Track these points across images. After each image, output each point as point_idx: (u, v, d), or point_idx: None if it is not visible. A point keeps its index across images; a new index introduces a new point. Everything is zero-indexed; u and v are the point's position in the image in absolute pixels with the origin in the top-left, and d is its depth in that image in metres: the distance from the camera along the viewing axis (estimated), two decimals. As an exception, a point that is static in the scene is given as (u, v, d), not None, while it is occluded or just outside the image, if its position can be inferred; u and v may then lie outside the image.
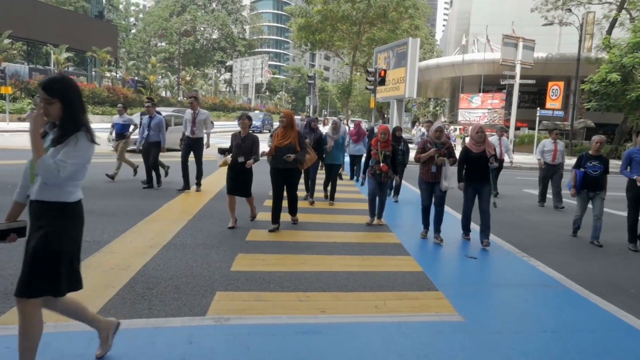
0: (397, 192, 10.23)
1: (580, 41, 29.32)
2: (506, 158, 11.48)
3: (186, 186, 9.51)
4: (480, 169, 6.57)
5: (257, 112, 46.51)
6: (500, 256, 6.26)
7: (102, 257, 5.14)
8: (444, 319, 4.11)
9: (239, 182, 6.86)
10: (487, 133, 7.02)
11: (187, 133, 9.42)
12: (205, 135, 9.67)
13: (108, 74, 48.77)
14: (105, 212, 7.29)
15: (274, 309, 4.08)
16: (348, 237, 6.71)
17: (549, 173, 10.81)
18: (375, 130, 9.18)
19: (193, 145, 9.48)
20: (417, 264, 5.67)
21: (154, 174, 9.87)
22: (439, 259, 6.02)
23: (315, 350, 3.40)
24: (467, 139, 7.87)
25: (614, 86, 24.61)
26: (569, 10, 32.48)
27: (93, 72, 46.74)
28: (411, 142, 20.91)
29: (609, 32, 31.04)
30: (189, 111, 9.50)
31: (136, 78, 52.43)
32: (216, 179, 11.27)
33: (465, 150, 6.75)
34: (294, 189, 7.03)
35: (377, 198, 7.63)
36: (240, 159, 6.73)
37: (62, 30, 39.35)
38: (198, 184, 9.65)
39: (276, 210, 6.80)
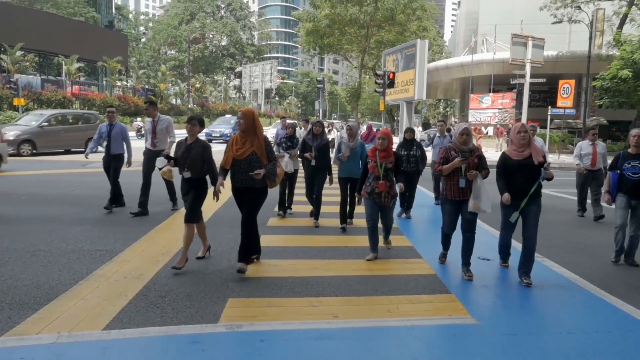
0: (409, 206, 8.56)
1: (590, 38, 29.03)
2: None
3: (174, 205, 8.33)
4: (523, 182, 5.01)
5: (228, 116, 37.29)
6: (513, 257, 6.17)
7: (115, 266, 5.18)
8: (458, 321, 4.07)
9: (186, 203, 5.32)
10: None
11: (148, 145, 8.00)
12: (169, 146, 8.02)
13: (119, 83, 49.27)
14: (117, 222, 7.35)
15: (286, 315, 4.08)
16: (359, 241, 6.68)
17: (588, 179, 9.25)
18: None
19: (155, 159, 7.11)
20: (429, 267, 5.63)
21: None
22: (451, 261, 5.96)
23: (328, 356, 3.38)
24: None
25: (626, 83, 24.33)
26: (579, 7, 32.20)
27: (104, 82, 47.20)
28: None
29: (620, 28, 30.71)
30: (148, 120, 8.05)
31: (147, 86, 52.91)
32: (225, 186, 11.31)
33: (504, 159, 5.23)
34: (252, 215, 5.11)
35: (381, 223, 6.06)
36: (186, 174, 5.21)
37: (73, 40, 39.80)
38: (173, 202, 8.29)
39: (246, 245, 5.10)
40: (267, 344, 3.51)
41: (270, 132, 28.29)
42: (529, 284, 5.04)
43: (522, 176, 5.02)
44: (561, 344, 3.71)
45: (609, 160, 8.30)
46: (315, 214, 7.69)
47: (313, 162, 7.50)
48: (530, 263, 5.15)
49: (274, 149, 8.86)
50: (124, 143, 8.19)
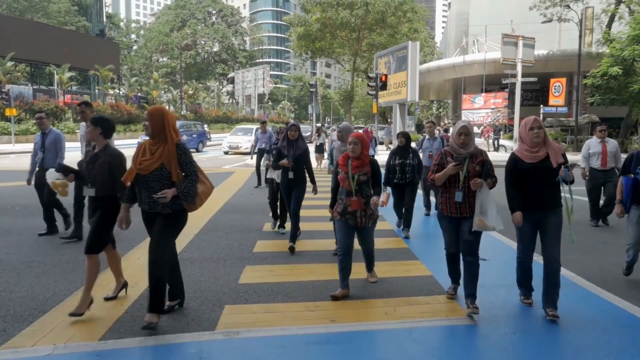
0: (407, 224, 7.32)
1: (580, 37, 29.25)
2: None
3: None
4: (540, 190, 4.09)
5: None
6: (510, 256, 6.16)
7: (110, 275, 5.10)
8: (455, 322, 4.07)
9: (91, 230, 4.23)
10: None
11: (82, 155, 6.34)
12: None
13: (111, 92, 49.13)
14: (113, 230, 7.30)
15: (283, 321, 4.06)
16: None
17: (599, 181, 8.16)
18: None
19: None
20: (426, 268, 5.63)
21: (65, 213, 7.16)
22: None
23: (326, 361, 3.37)
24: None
25: (616, 80, 24.50)
26: (568, 6, 32.42)
27: (96, 90, 47.08)
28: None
29: (609, 26, 30.97)
30: (83, 124, 6.67)
31: (139, 94, 52.74)
32: (220, 193, 11.29)
33: (514, 161, 4.22)
34: (159, 250, 3.80)
35: (362, 250, 4.98)
36: (88, 192, 4.27)
37: (64, 50, 39.70)
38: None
39: (154, 292, 3.78)
40: (265, 350, 3.50)
41: (229, 139, 25.50)
42: (555, 317, 4.05)
43: (538, 183, 4.08)
44: (559, 341, 3.72)
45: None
46: (292, 234, 6.39)
47: (291, 175, 6.40)
48: (555, 289, 4.16)
49: (264, 157, 8.04)
50: (58, 156, 6.79)
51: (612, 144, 8.18)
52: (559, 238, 4.13)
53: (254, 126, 25.48)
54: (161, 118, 3.79)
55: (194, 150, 25.73)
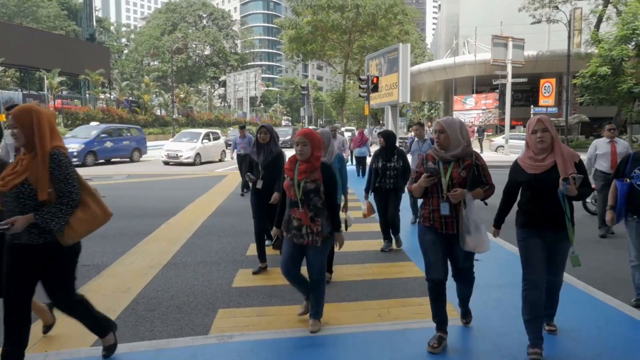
0: (396, 230, 6.59)
1: (569, 37, 29.50)
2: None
3: None
4: (552, 206, 3.38)
5: (93, 123, 23.87)
6: (502, 256, 6.23)
7: (103, 280, 5.11)
8: (449, 323, 4.07)
9: None
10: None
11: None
12: None
13: (102, 96, 48.87)
14: (104, 235, 7.23)
15: (277, 324, 4.06)
16: (348, 247, 6.62)
17: (608, 185, 7.06)
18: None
19: None
20: (419, 270, 5.62)
21: None
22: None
23: (320, 363, 3.37)
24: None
25: (605, 79, 24.75)
26: (556, 7, 32.74)
27: (87, 95, 46.74)
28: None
29: (597, 26, 31.30)
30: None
31: (130, 98, 52.47)
32: (212, 197, 11.26)
33: (513, 172, 3.59)
34: (58, 297, 3.26)
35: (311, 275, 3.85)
36: None
37: (54, 54, 39.46)
38: None
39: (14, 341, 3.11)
40: (259, 353, 3.49)
41: (167, 147, 20.25)
42: (552, 331, 3.84)
43: (543, 197, 3.38)
44: (552, 341, 3.73)
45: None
46: (261, 257, 5.56)
47: (259, 185, 5.35)
48: (554, 305, 3.86)
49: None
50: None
51: (622, 144, 7.46)
52: (564, 261, 3.67)
53: (203, 131, 21.69)
54: (30, 120, 2.85)
55: (128, 159, 21.33)
